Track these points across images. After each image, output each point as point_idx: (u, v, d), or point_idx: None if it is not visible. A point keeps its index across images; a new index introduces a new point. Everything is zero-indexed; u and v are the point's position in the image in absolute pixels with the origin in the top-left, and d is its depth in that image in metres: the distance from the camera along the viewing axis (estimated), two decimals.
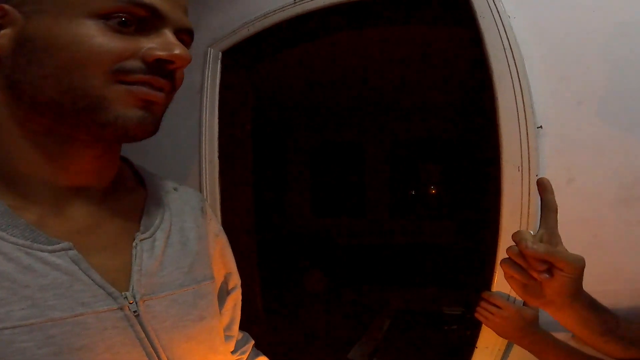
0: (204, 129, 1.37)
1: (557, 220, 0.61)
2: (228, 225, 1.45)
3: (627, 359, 0.67)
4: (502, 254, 1.02)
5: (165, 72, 0.42)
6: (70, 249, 0.42)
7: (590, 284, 0.94)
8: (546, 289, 0.59)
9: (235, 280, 0.69)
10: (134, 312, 0.44)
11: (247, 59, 1.65)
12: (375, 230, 6.40)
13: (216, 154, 1.36)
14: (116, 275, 0.45)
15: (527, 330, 0.93)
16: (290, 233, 6.45)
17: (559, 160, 0.97)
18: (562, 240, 0.96)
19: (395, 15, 1.52)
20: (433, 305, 3.20)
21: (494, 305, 1.00)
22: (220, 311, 0.62)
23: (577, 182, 0.95)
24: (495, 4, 1.13)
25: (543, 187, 0.60)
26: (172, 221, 0.55)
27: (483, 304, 1.03)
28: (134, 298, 0.45)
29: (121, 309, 0.44)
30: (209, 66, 1.48)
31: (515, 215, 1.00)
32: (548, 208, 0.61)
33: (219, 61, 1.51)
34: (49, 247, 0.41)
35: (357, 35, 2.88)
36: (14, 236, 0.39)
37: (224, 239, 0.67)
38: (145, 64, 0.41)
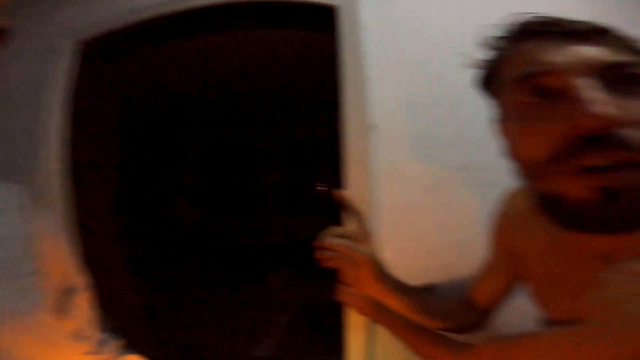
0: (50, 124, 1.27)
1: (362, 221, 0.70)
2: (89, 229, 1.36)
3: (441, 328, 0.77)
4: None
5: None
6: None
7: (410, 260, 1.13)
8: (359, 276, 0.68)
9: (81, 281, 0.69)
10: None
11: (113, 53, 1.56)
12: (271, 228, 6.48)
13: (59, 153, 1.27)
14: None
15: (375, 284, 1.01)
16: (182, 235, 6.20)
17: (386, 155, 1.14)
18: (391, 224, 1.12)
19: (272, 19, 1.59)
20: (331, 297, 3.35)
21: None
22: (68, 311, 0.62)
23: (400, 172, 1.13)
24: (355, 15, 1.27)
25: (339, 199, 0.68)
26: None
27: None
28: None
29: None
30: (64, 58, 1.38)
31: (356, 203, 1.14)
32: (349, 213, 0.70)
33: (78, 53, 1.41)
34: None
35: (243, 35, 2.92)
36: None
37: (58, 237, 0.66)
38: None
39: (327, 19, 1.33)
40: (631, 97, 0.40)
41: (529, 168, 0.48)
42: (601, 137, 0.38)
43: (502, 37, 0.51)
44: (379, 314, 0.99)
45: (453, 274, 1.13)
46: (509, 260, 0.79)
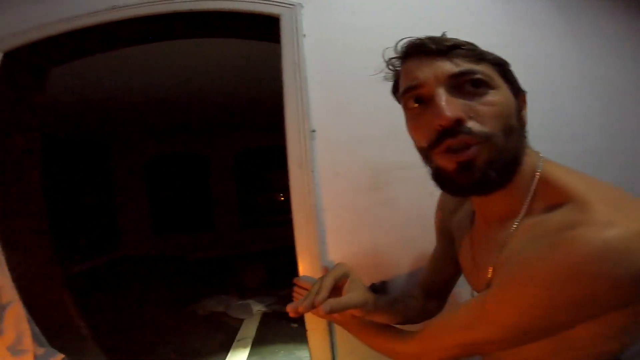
0: None
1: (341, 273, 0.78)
2: (19, 247, 1.27)
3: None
4: (299, 240, 1.18)
5: None
6: None
7: (357, 259, 1.16)
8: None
9: (10, 296, 0.68)
10: None
11: (37, 62, 1.48)
12: (226, 243, 6.35)
13: None
14: None
15: None
16: (129, 254, 5.92)
17: (327, 158, 1.17)
18: (335, 225, 1.15)
19: (216, 28, 1.58)
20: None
21: (303, 288, 1.13)
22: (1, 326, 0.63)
23: (341, 175, 1.17)
24: (296, 24, 1.30)
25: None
26: None
27: (295, 288, 1.15)
28: None
29: None
30: None
31: (302, 206, 1.16)
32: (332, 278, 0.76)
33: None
34: None
35: (185, 46, 2.87)
36: None
37: None
38: None
39: (273, 28, 1.35)
40: (475, 97, 0.56)
41: (422, 155, 0.62)
42: (454, 129, 0.54)
43: (395, 58, 0.65)
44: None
45: (401, 270, 1.18)
46: (450, 245, 0.86)
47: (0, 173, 1.23)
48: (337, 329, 1.19)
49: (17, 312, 0.69)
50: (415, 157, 1.17)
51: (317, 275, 1.16)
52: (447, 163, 0.56)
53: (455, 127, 0.54)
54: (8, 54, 1.36)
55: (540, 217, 0.54)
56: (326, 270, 1.16)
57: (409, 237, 1.17)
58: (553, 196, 0.54)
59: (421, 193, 1.13)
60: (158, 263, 5.66)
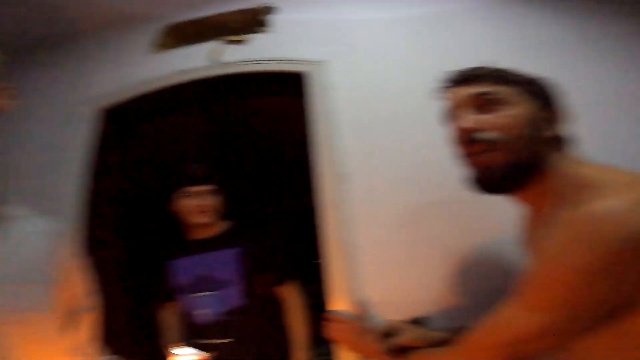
0: (70, 182, 1.45)
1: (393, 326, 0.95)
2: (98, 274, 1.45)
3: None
4: (330, 277, 1.23)
5: None
6: None
7: (393, 296, 1.14)
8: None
9: (90, 303, 0.76)
10: None
11: (130, 119, 1.71)
12: None
13: (78, 206, 1.42)
14: None
15: (366, 339, 1.02)
16: None
17: (360, 199, 1.27)
18: (370, 264, 1.21)
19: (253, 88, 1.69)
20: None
21: (338, 322, 1.11)
22: (72, 328, 0.68)
23: (373, 213, 1.25)
24: (321, 76, 1.44)
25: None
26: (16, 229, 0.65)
27: (327, 323, 1.14)
28: None
29: None
30: (85, 124, 1.54)
31: (333, 244, 1.26)
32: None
33: (98, 120, 1.56)
34: None
35: (258, 103, 3.07)
36: None
37: (75, 263, 0.75)
38: None
39: (294, 84, 1.49)
40: (492, 112, 0.69)
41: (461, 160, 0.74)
42: (469, 138, 0.68)
43: (442, 87, 0.79)
44: (366, 344, 1.02)
45: (436, 306, 1.16)
46: None
47: (92, 217, 1.46)
48: None
49: (92, 318, 0.75)
50: (445, 194, 1.24)
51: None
52: (472, 168, 0.71)
53: (468, 136, 0.68)
54: (105, 110, 1.59)
55: (567, 209, 0.58)
56: (360, 305, 1.15)
57: (443, 273, 1.18)
58: (579, 190, 0.59)
59: (452, 229, 1.18)
60: None
